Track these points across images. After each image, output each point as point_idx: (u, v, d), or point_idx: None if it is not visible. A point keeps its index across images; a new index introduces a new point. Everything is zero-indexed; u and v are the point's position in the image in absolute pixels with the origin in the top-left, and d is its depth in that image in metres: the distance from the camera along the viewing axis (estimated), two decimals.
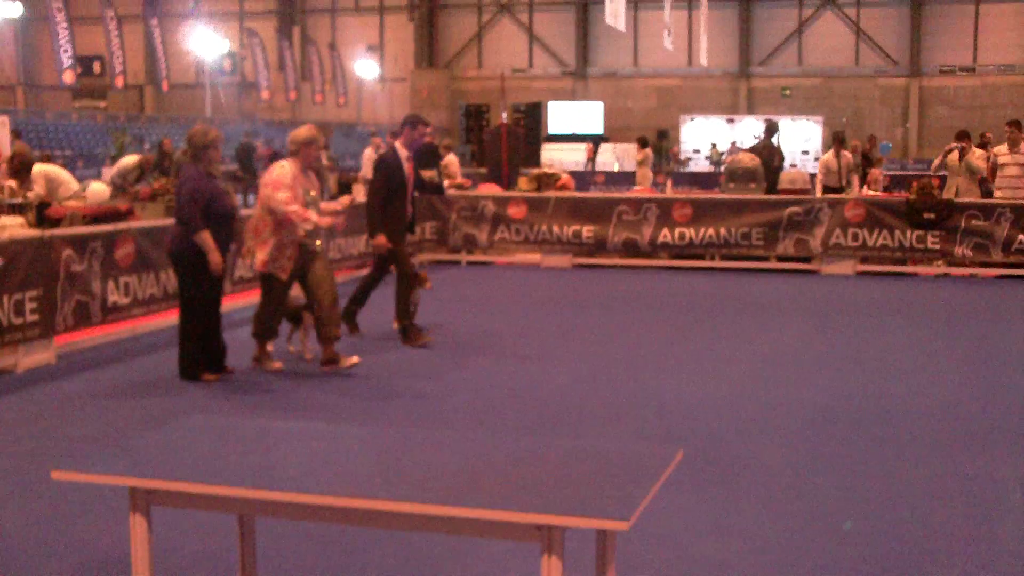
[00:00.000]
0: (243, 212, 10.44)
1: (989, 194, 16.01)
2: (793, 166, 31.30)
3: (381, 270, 10.66)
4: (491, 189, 18.10)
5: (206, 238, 8.40)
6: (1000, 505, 5.94)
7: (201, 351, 8.71)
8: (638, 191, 20.34)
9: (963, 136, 16.96)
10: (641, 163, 24.75)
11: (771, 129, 18.12)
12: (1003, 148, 15.82)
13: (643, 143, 25.06)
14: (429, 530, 3.54)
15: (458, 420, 7.63)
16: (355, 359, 9.04)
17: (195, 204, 8.39)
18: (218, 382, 8.68)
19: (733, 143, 40.78)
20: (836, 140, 19.09)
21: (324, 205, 9.13)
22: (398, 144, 10.50)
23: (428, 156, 16.15)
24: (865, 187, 18.52)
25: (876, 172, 19.20)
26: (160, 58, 44.70)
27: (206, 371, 8.72)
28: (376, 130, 26.36)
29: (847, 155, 18.64)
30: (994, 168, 15.98)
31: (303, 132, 8.95)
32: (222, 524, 4.95)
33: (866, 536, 5.42)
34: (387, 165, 10.34)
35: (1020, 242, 15.03)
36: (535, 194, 16.62)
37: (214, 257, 8.44)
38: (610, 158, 44.81)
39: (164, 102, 55.34)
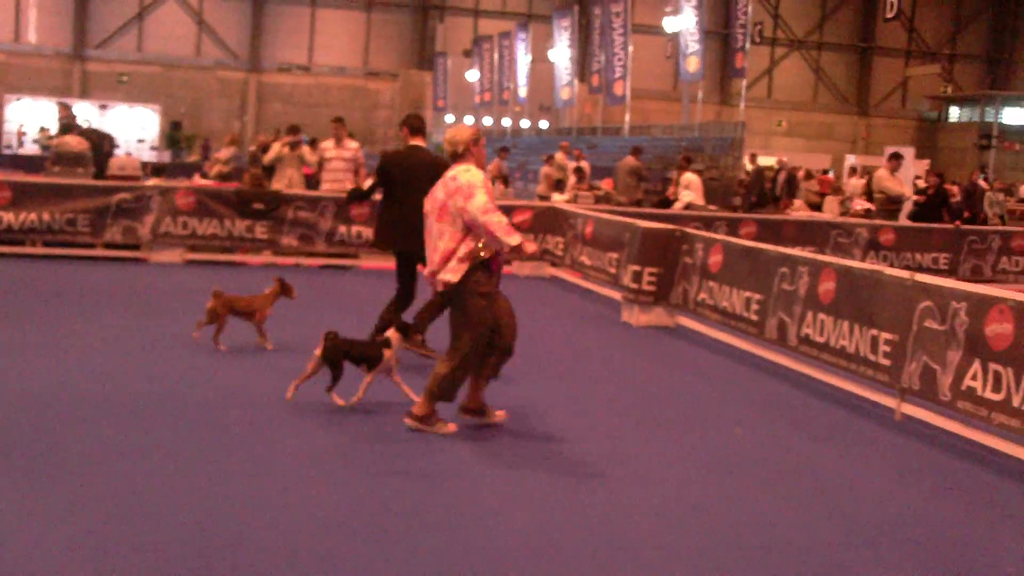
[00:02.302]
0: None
1: (316, 186, 16.68)
2: (128, 154, 30.62)
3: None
4: None
5: None
6: (302, 480, 6.11)
7: None
8: None
9: (295, 130, 17.50)
10: None
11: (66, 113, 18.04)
12: (330, 143, 16.49)
13: None
14: None
15: None
16: (452, 427, 7.34)
17: None
18: None
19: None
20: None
21: None
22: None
23: None
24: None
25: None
26: None
27: None
28: None
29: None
30: (322, 162, 16.61)
31: (467, 130, 7.32)
32: None
33: (169, 522, 5.34)
34: None
35: (341, 233, 15.81)
36: None
37: None
38: None
39: None
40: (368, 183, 10.00)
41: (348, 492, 6.01)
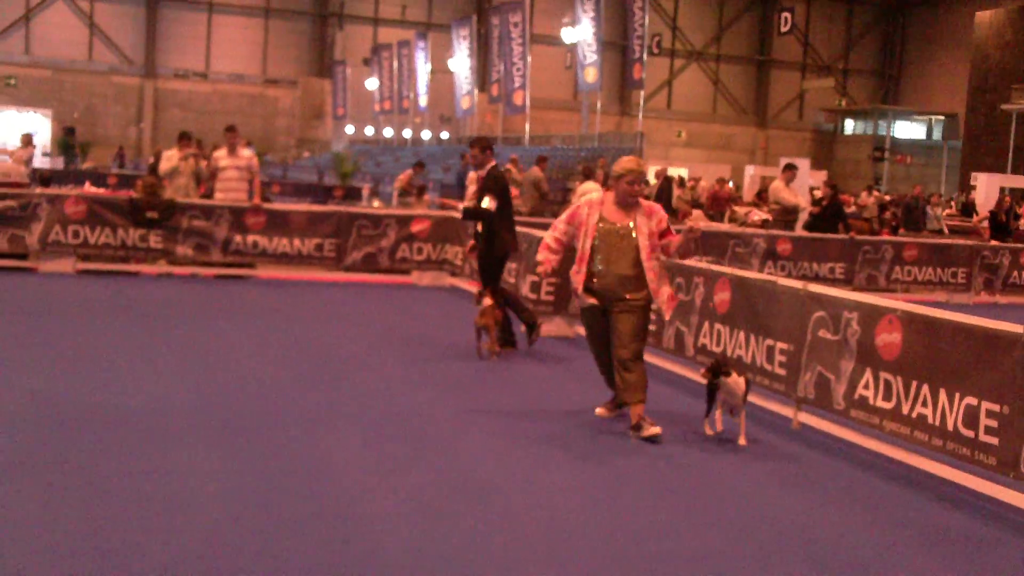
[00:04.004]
0: None
1: (210, 194, 16.39)
2: None
3: None
4: None
5: None
6: (195, 496, 5.95)
7: None
8: None
9: (186, 137, 17.14)
10: None
11: None
12: (222, 152, 16.27)
13: None
14: None
15: None
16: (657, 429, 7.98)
17: None
18: None
19: None
20: None
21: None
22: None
23: None
24: None
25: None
26: None
27: None
28: None
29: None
30: (215, 172, 16.33)
31: (616, 166, 8.14)
32: None
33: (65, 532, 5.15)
34: None
35: (237, 242, 15.56)
36: None
37: None
38: None
39: None
40: (489, 202, 10.66)
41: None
